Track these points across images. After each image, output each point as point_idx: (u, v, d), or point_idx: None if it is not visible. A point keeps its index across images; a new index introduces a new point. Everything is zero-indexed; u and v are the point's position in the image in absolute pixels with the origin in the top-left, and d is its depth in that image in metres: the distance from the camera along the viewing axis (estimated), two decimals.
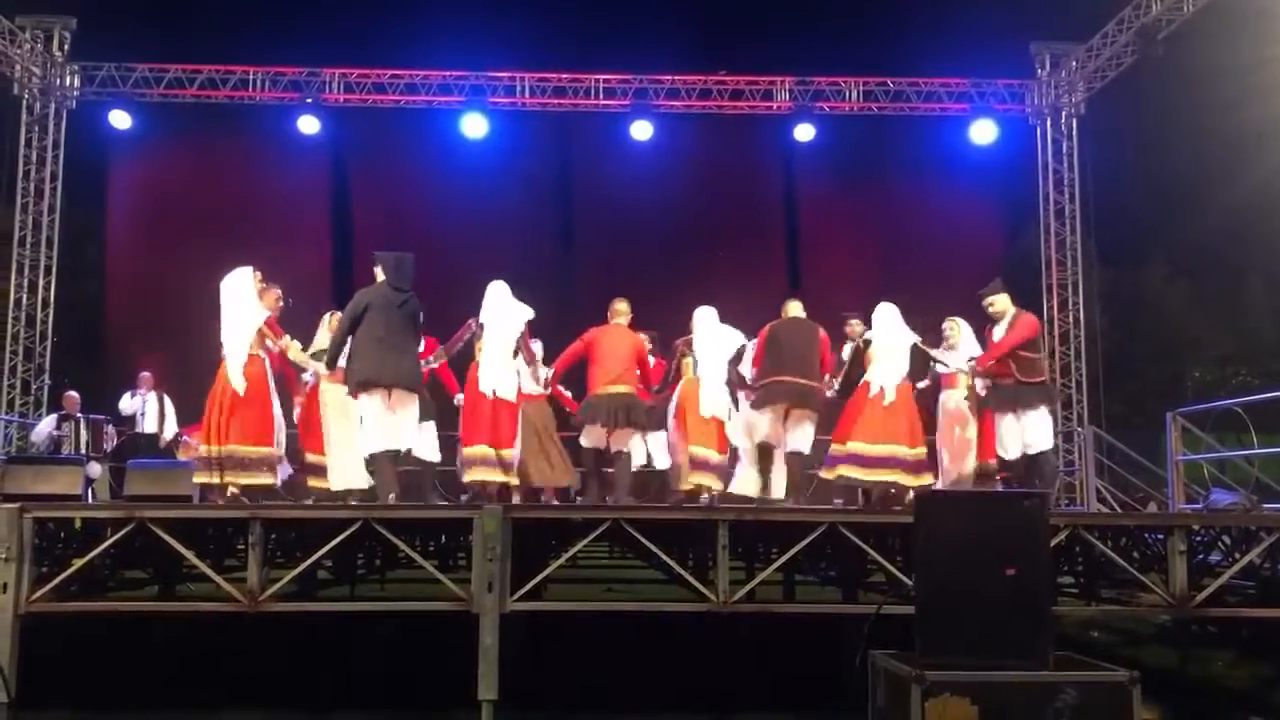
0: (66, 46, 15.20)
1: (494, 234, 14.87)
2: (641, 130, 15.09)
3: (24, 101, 15.06)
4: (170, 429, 11.93)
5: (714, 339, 8.66)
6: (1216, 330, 25.40)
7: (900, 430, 8.16)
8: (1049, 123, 15.77)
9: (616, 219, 15.26)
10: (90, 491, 10.12)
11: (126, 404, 12.02)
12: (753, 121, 15.63)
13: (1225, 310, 25.37)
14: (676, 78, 15.35)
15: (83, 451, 11.38)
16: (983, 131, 15.37)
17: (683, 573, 6.59)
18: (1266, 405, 9.54)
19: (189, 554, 6.34)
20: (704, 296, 14.41)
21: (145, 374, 12.16)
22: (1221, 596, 6.70)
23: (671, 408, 9.02)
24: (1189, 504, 9.36)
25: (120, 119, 14.98)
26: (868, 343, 8.44)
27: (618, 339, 8.36)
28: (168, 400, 12.05)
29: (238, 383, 7.47)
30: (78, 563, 6.31)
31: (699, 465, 8.54)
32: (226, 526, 7.87)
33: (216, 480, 7.46)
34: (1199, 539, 7.28)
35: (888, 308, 8.45)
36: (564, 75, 15.34)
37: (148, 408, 11.94)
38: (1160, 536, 6.82)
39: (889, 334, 8.33)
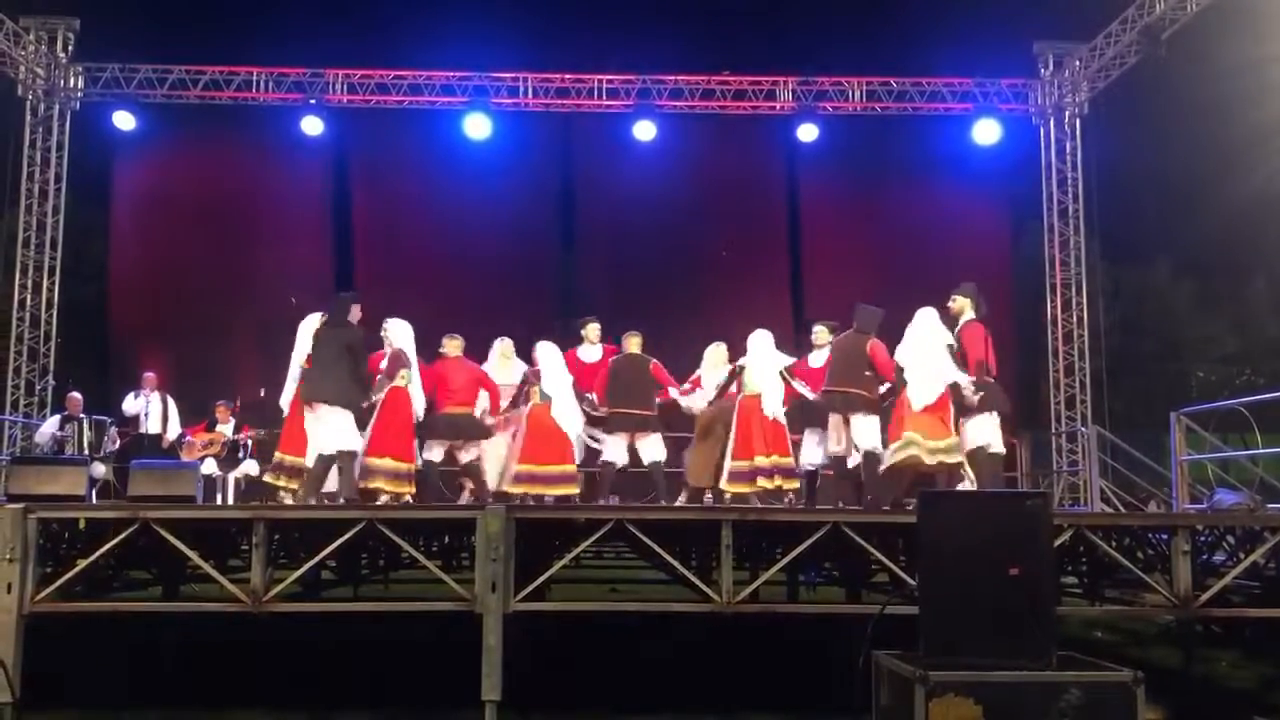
0: (71, 47, 15.22)
1: (497, 234, 14.89)
2: (644, 130, 15.08)
3: (28, 102, 15.08)
4: (174, 429, 11.93)
5: (767, 358, 9.09)
6: (1221, 330, 25.39)
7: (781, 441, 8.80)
8: (1052, 122, 15.75)
9: (619, 219, 15.25)
10: (94, 492, 10.13)
11: (130, 404, 12.02)
12: (756, 121, 15.62)
13: (1229, 309, 25.35)
14: (679, 78, 15.34)
15: (85, 452, 11.39)
16: (986, 131, 15.34)
17: (686, 573, 6.59)
18: (1271, 405, 9.51)
19: (193, 554, 6.34)
20: (706, 297, 14.57)
21: (149, 374, 12.16)
22: (1225, 597, 6.70)
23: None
24: (1193, 504, 9.34)
25: (124, 120, 14.99)
26: (742, 368, 9.04)
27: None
28: (171, 401, 12.05)
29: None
30: (82, 563, 6.31)
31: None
32: (230, 527, 7.88)
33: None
34: (1203, 539, 7.27)
35: (761, 334, 9.11)
36: (567, 76, 15.35)
37: (151, 408, 11.93)
38: (1164, 536, 6.80)
39: (761, 358, 8.99)
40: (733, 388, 9.13)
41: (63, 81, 15.24)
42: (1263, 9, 14.17)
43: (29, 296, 14.95)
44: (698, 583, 6.43)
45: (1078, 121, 15.68)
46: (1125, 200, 19.49)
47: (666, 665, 7.01)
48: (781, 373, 9.01)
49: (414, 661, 7.41)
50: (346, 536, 6.20)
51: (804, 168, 15.81)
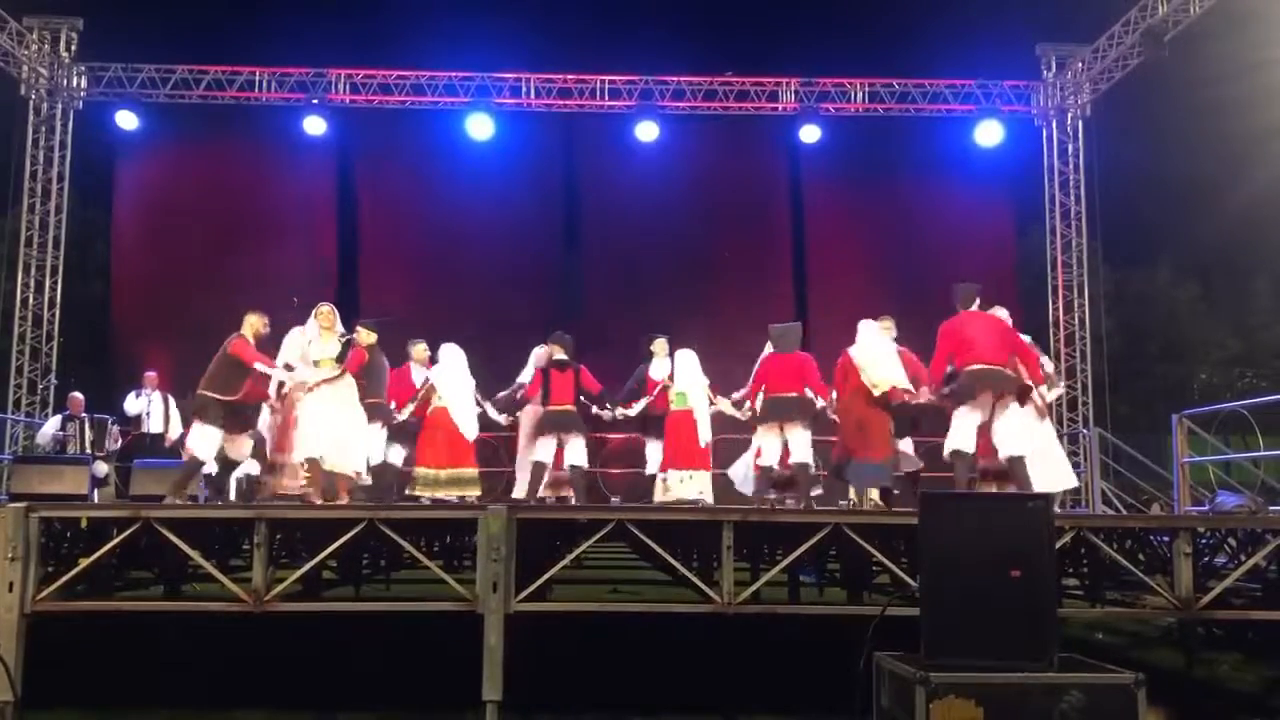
0: (74, 47, 15.24)
1: (499, 234, 14.90)
2: (647, 131, 15.08)
3: (31, 102, 15.09)
4: (175, 429, 11.92)
5: (694, 375, 9.46)
6: (1223, 332, 25.39)
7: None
8: (1054, 124, 15.74)
9: (621, 220, 15.25)
10: (96, 491, 10.14)
11: (132, 404, 12.03)
12: (758, 122, 15.63)
13: (1232, 312, 25.36)
14: (682, 79, 15.35)
15: (87, 451, 11.40)
16: (988, 133, 15.34)
17: (687, 574, 6.59)
18: (1273, 408, 9.51)
19: (195, 554, 6.35)
20: (708, 297, 14.56)
21: (150, 374, 12.17)
22: (1227, 599, 6.69)
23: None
24: (1195, 506, 9.34)
25: (127, 119, 15.00)
26: (667, 387, 9.47)
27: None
28: (173, 401, 12.05)
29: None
30: (84, 562, 6.32)
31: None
32: (232, 526, 7.88)
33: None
34: (1205, 541, 7.27)
35: (685, 354, 9.50)
36: (569, 76, 15.35)
37: (153, 408, 11.95)
38: (1166, 539, 6.80)
39: (689, 375, 9.38)
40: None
41: (66, 81, 15.25)
42: (1264, 12, 14.17)
43: (31, 296, 14.97)
44: (699, 583, 6.43)
45: (1080, 123, 15.68)
46: (1127, 202, 19.51)
47: (667, 666, 7.01)
48: (706, 391, 9.38)
49: (415, 661, 7.41)
50: (348, 536, 6.21)
51: (806, 169, 15.80)
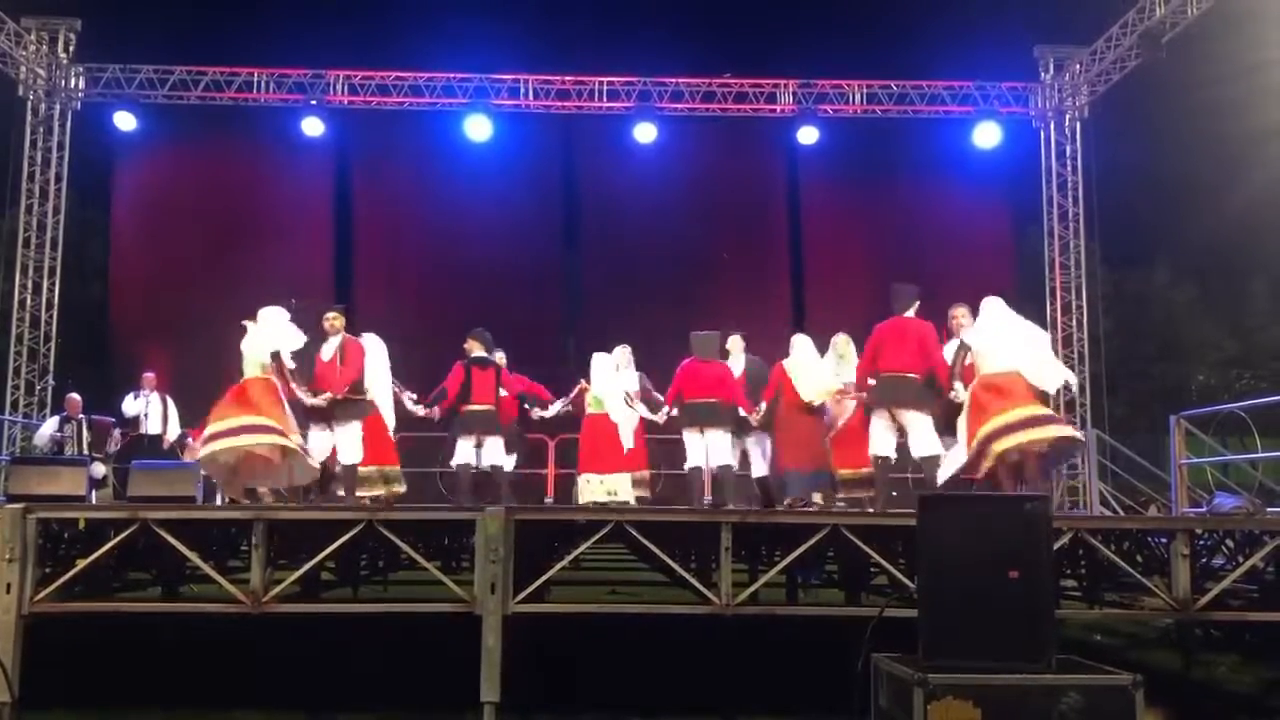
0: (72, 48, 15.24)
1: (497, 236, 14.90)
2: (645, 132, 15.08)
3: (29, 103, 15.09)
4: (174, 430, 11.93)
5: (611, 379, 9.68)
6: (1221, 334, 25.41)
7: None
8: (1053, 126, 15.76)
9: (620, 221, 15.26)
10: (93, 492, 10.12)
11: (130, 405, 12.02)
12: (756, 124, 15.64)
13: (1229, 313, 25.38)
14: (680, 80, 15.36)
15: (85, 452, 11.38)
16: (986, 134, 15.36)
17: (686, 575, 6.59)
18: (1270, 409, 9.52)
19: (192, 555, 6.34)
20: (706, 298, 14.55)
21: (149, 375, 12.15)
22: (1225, 600, 6.69)
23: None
24: (1192, 507, 9.35)
25: (125, 120, 14.99)
26: (586, 388, 9.70)
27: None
28: (171, 402, 12.05)
29: None
30: (81, 563, 6.31)
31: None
32: (230, 527, 7.87)
33: None
34: (1202, 542, 7.26)
35: (601, 358, 9.70)
36: (567, 77, 15.36)
37: (151, 409, 11.93)
38: (1164, 540, 6.80)
39: (606, 379, 9.60)
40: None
41: (64, 82, 15.25)
42: (1262, 13, 14.20)
43: (29, 297, 14.96)
44: (697, 585, 6.42)
45: (1078, 125, 15.71)
46: (1125, 204, 19.53)
47: (665, 667, 7.00)
48: (625, 395, 9.53)
49: (413, 662, 7.41)
50: (346, 537, 6.20)
51: (804, 170, 15.82)
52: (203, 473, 8.07)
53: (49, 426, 11.92)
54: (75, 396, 12.09)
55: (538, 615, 6.21)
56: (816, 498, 8.76)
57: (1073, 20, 15.72)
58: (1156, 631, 8.82)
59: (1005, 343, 7.28)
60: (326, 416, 7.94)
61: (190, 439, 11.67)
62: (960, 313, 7.77)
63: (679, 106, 15.39)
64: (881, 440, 7.76)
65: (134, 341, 14.64)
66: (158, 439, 11.86)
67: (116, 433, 11.95)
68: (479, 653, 5.85)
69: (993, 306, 7.53)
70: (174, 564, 7.66)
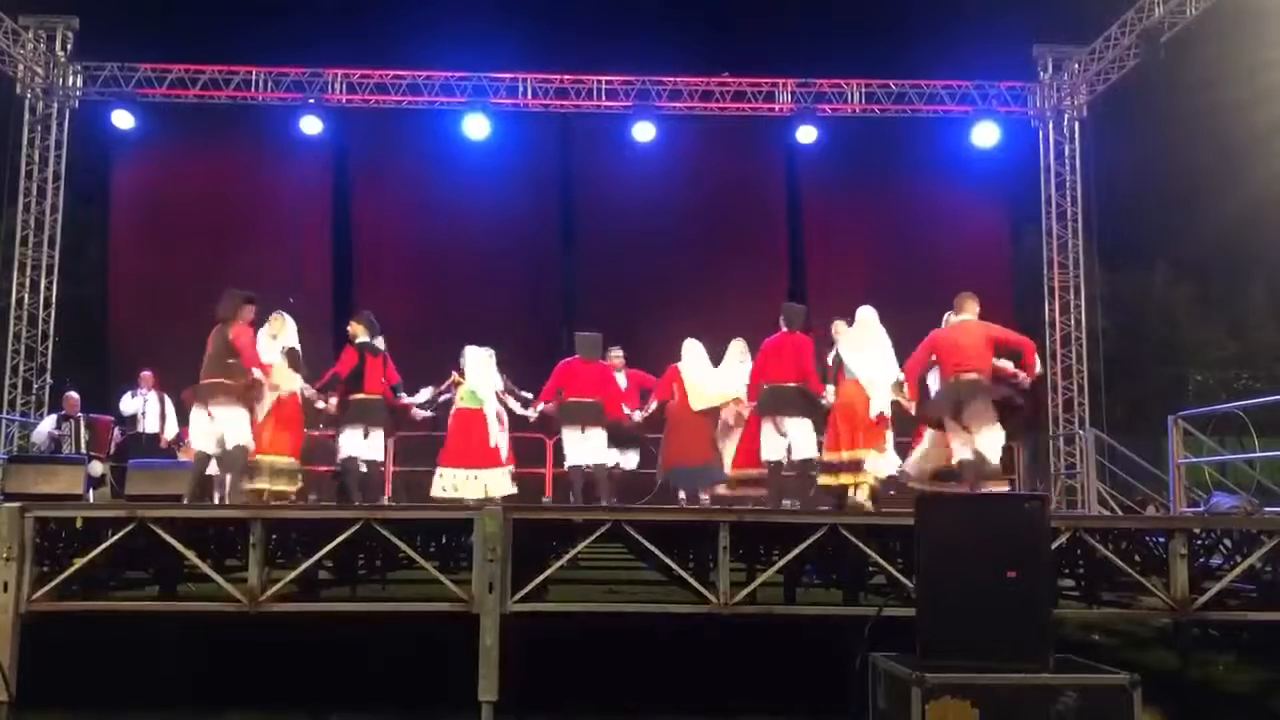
0: (70, 46, 15.22)
1: (495, 234, 14.90)
2: (643, 131, 15.08)
3: (27, 101, 15.07)
4: (171, 429, 11.91)
5: (486, 374, 9.54)
6: (1219, 333, 25.41)
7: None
8: (1051, 125, 15.77)
9: (618, 220, 15.23)
10: (91, 491, 10.11)
11: (127, 404, 12.00)
12: (754, 123, 15.63)
13: (1228, 313, 25.39)
14: (678, 79, 15.36)
15: (82, 451, 11.37)
16: (985, 134, 15.35)
17: (683, 574, 6.58)
18: (1268, 408, 9.53)
19: (190, 554, 6.33)
20: (706, 299, 14.55)
21: (146, 373, 12.13)
22: (1222, 600, 6.69)
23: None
24: (1190, 507, 9.36)
25: (123, 119, 14.97)
26: (459, 382, 9.53)
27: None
28: (168, 400, 12.02)
29: None
30: (79, 562, 6.30)
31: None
32: (227, 526, 7.87)
33: None
34: (1200, 542, 7.27)
35: (475, 352, 9.49)
36: (566, 76, 15.35)
37: (148, 408, 11.91)
38: (1161, 539, 6.81)
39: (479, 374, 9.42)
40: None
41: (61, 80, 15.23)
42: (1261, 13, 14.20)
43: (27, 295, 14.95)
44: (695, 584, 6.42)
45: (1076, 124, 15.71)
46: (1124, 203, 19.51)
47: (663, 666, 7.00)
48: (497, 392, 9.47)
49: (411, 662, 7.40)
50: (344, 536, 6.20)
51: (803, 169, 15.80)
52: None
53: (47, 425, 11.90)
54: (73, 395, 12.07)
55: (535, 614, 6.20)
56: (704, 497, 9.21)
57: (1071, 20, 15.72)
58: (1154, 631, 8.81)
59: (866, 355, 8.25)
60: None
61: (186, 438, 11.68)
62: (838, 325, 8.74)
63: (677, 105, 15.38)
64: (771, 445, 8.39)
65: (132, 340, 14.61)
66: (155, 438, 11.85)
67: (115, 431, 11.94)
68: (476, 652, 5.85)
69: (863, 318, 8.48)
70: (171, 563, 7.65)
